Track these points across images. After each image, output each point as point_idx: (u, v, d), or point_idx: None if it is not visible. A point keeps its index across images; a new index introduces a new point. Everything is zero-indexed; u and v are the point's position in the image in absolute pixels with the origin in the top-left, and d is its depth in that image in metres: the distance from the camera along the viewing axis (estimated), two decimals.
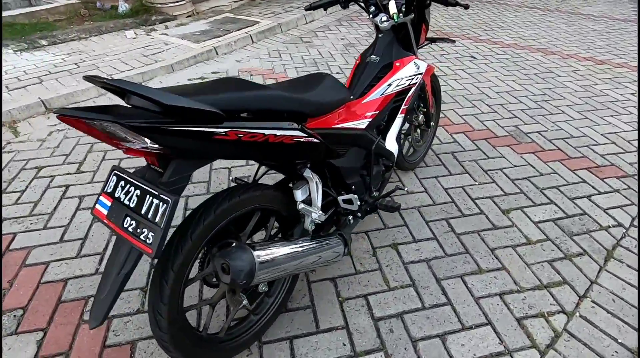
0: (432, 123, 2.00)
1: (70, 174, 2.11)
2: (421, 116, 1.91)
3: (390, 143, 1.50)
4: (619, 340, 1.33)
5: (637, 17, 3.54)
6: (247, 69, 3.55)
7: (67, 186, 2.01)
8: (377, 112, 1.41)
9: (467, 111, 2.86)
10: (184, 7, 4.79)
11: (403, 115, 1.55)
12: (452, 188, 2.06)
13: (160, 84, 3.25)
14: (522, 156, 2.34)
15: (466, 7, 1.41)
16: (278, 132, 0.92)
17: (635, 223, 1.84)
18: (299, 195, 1.14)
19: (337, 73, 3.47)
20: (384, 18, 1.49)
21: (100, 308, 0.79)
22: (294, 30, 4.66)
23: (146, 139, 0.72)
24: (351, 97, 1.41)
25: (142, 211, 0.79)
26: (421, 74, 1.58)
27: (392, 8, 1.42)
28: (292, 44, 4.22)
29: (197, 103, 0.74)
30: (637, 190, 2.05)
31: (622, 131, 2.63)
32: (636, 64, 3.75)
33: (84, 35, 3.92)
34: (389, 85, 1.45)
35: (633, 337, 1.34)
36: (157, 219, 0.77)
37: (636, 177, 2.16)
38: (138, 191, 0.81)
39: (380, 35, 1.53)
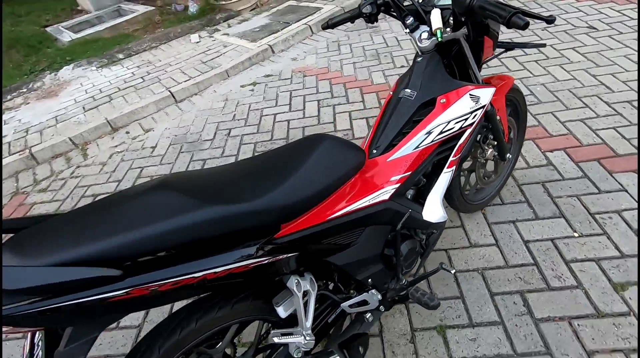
0: (508, 155, 1.47)
1: None
2: (490, 150, 1.40)
3: (432, 209, 1.09)
4: None
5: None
6: (301, 69, 3.26)
7: None
8: (408, 173, 1.02)
9: (573, 114, 2.13)
10: (247, 0, 4.66)
11: (452, 168, 1.11)
12: (537, 240, 1.53)
13: (214, 92, 3.20)
14: None
15: (550, 21, 0.88)
16: (218, 269, 0.65)
17: None
18: (282, 312, 0.86)
19: (402, 66, 2.95)
20: (425, 34, 1.05)
21: None
22: None
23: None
24: (374, 152, 1.04)
25: None
26: (482, 107, 1.10)
27: (436, 21, 0.97)
28: (354, 31, 3.76)
29: (69, 271, 0.52)
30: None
31: None
32: None
33: (154, 44, 4.10)
34: (428, 133, 1.02)
35: None
36: None
37: None
38: None
39: (418, 60, 1.09)
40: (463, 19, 1.00)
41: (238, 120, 2.74)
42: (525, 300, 1.34)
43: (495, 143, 1.38)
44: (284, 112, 2.71)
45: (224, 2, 4.61)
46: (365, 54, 3.26)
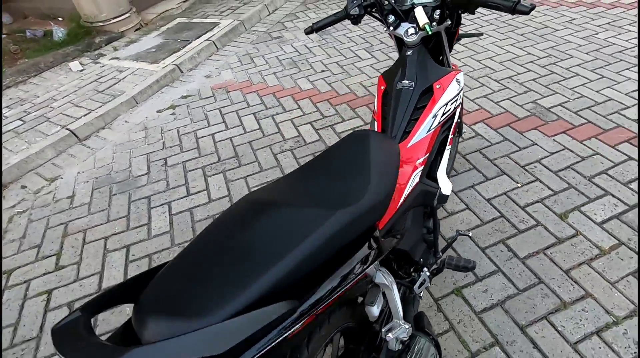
0: (464, 130, 1.71)
1: (48, 273, 1.74)
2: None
3: (446, 184, 1.21)
4: None
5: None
6: (222, 85, 3.12)
7: (50, 292, 1.65)
8: (427, 155, 1.11)
9: (477, 92, 2.57)
10: (129, 20, 4.21)
11: (451, 145, 1.26)
12: (495, 197, 1.81)
13: (126, 123, 2.82)
14: (555, 139, 2.10)
15: (529, 11, 1.08)
16: (361, 275, 0.62)
17: None
18: (375, 310, 0.85)
19: (323, 71, 3.10)
20: (411, 30, 1.16)
21: None
22: (258, 25, 4.18)
23: None
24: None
25: None
26: (462, 88, 1.28)
27: (422, 17, 1.09)
28: (261, 42, 3.77)
29: (264, 313, 0.44)
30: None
31: None
32: (629, 2, 3.51)
33: (21, 79, 3.37)
34: (434, 117, 1.14)
35: None
36: None
37: None
38: None
39: (409, 54, 1.20)
40: (460, 11, 1.14)
41: (170, 147, 2.48)
42: (507, 246, 1.59)
43: (459, 120, 1.60)
44: (221, 131, 2.56)
45: (100, 24, 4.07)
46: (282, 64, 3.31)
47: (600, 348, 1.23)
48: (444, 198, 1.19)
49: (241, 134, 2.51)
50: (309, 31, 1.25)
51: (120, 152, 2.50)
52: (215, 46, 3.73)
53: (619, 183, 1.79)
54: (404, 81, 1.17)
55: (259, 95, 2.91)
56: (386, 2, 1.19)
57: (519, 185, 1.85)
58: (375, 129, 1.17)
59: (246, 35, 4.00)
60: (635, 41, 2.87)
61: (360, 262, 0.66)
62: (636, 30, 3.02)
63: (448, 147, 1.24)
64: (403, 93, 1.15)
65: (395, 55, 3.19)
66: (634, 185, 1.76)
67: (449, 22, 1.18)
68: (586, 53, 2.82)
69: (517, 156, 2.02)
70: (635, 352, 1.21)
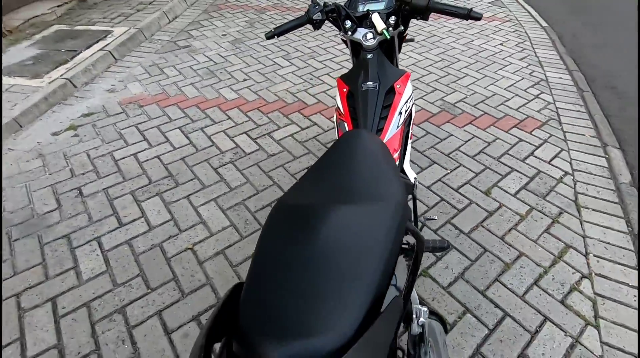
0: None
1: None
2: None
3: (412, 175, 1.32)
4: (630, 284, 1.53)
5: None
6: (132, 99, 2.78)
7: None
8: (400, 149, 1.20)
9: None
10: None
11: (412, 139, 1.37)
12: (433, 184, 2.04)
13: (11, 151, 2.28)
14: (465, 129, 2.45)
15: (481, 17, 1.24)
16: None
17: (576, 167, 2.14)
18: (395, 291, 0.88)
19: (245, 80, 3.02)
20: (370, 35, 1.23)
21: None
22: (160, 34, 3.85)
23: None
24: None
25: None
26: (412, 87, 1.41)
27: (379, 23, 1.17)
28: (168, 52, 3.49)
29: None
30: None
31: (515, 81, 3.00)
32: (488, 16, 4.31)
33: None
34: (400, 113, 1.23)
35: (634, 275, 1.56)
36: None
37: (551, 123, 2.50)
38: None
39: (369, 57, 1.27)
40: (417, 18, 1.24)
41: (83, 174, 2.10)
42: (453, 225, 1.80)
43: None
44: (145, 150, 2.28)
45: None
46: (198, 74, 3.12)
47: (540, 295, 1.50)
48: (415, 187, 1.30)
49: (170, 151, 2.28)
50: (270, 36, 1.23)
51: (10, 187, 2.02)
52: (113, 56, 3.31)
53: (519, 161, 2.19)
54: (368, 83, 1.23)
55: (180, 108, 2.69)
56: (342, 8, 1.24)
57: (448, 171, 2.12)
58: (346, 129, 1.21)
59: (148, 45, 3.64)
60: (501, 47, 3.55)
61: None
62: (499, 38, 3.74)
63: (410, 141, 1.35)
64: (370, 94, 1.22)
65: (313, 62, 3.30)
66: (529, 161, 2.18)
67: (402, 28, 1.30)
68: (469, 57, 3.37)
69: (440, 146, 2.31)
70: (563, 292, 1.51)
